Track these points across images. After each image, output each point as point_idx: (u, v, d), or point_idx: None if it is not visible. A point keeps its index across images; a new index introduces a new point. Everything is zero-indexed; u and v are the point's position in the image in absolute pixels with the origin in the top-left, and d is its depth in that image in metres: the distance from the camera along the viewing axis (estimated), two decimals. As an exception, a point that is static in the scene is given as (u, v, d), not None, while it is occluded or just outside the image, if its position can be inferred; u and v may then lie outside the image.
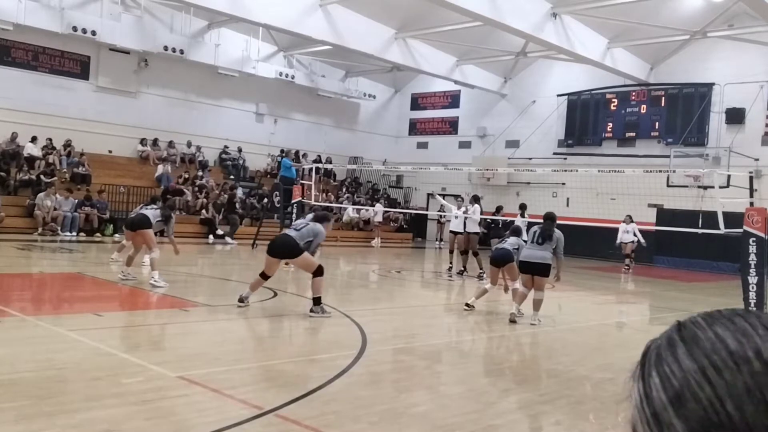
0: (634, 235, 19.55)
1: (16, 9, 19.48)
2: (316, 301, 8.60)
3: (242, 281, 11.55)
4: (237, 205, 22.03)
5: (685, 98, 23.45)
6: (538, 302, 9.20)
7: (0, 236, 16.34)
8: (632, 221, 19.57)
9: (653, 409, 0.62)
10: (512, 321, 9.14)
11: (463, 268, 15.42)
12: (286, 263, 11.31)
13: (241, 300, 8.66)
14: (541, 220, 9.50)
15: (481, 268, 14.59)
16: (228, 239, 20.61)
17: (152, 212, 10.78)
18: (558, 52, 21.34)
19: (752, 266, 9.77)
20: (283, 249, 8.69)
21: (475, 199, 15.70)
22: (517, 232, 10.60)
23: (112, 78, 23.06)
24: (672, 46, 23.15)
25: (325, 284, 8.95)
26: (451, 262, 15.81)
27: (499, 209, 18.58)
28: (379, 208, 25.68)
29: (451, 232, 16.11)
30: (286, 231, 9.08)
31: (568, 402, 5.61)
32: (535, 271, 9.13)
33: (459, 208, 15.78)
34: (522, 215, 16.60)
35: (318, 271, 8.64)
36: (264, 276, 8.78)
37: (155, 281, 10.15)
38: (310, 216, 9.37)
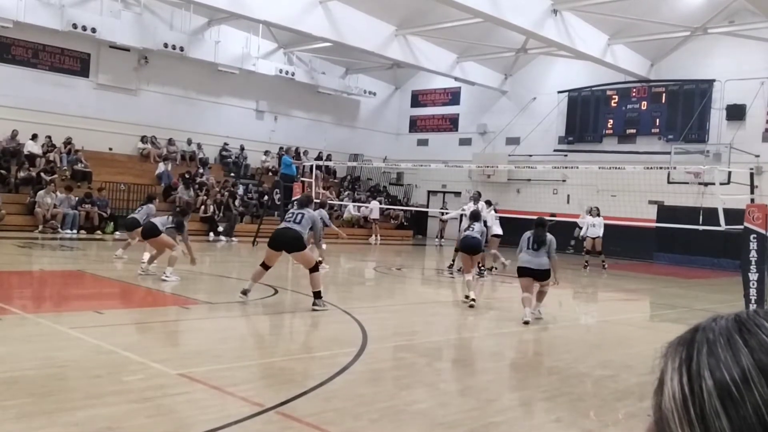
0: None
1: (16, 6, 19.46)
2: (317, 294, 8.74)
3: (242, 279, 11.56)
4: (231, 205, 21.78)
5: (685, 95, 23.42)
6: (542, 294, 9.33)
7: (0, 234, 16.35)
8: (599, 214, 18.32)
9: (701, 410, 0.56)
10: (526, 323, 9.02)
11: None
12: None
13: (243, 293, 8.77)
14: (535, 224, 9.54)
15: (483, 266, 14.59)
16: (223, 237, 20.55)
17: (161, 219, 10.85)
18: (558, 49, 21.31)
19: (753, 263, 9.77)
20: (289, 242, 8.76)
21: (487, 203, 15.63)
22: (477, 217, 11.16)
23: (112, 75, 23.06)
24: (672, 43, 23.12)
25: (324, 280, 9.00)
26: (453, 260, 15.78)
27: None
28: (375, 204, 25.57)
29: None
30: (288, 225, 9.05)
31: (568, 399, 5.61)
32: (536, 276, 9.16)
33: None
34: (488, 205, 16.16)
35: (315, 267, 8.86)
36: (265, 266, 8.91)
37: (166, 276, 10.30)
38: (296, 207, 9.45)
